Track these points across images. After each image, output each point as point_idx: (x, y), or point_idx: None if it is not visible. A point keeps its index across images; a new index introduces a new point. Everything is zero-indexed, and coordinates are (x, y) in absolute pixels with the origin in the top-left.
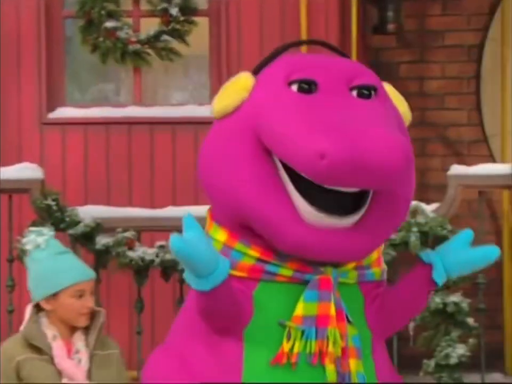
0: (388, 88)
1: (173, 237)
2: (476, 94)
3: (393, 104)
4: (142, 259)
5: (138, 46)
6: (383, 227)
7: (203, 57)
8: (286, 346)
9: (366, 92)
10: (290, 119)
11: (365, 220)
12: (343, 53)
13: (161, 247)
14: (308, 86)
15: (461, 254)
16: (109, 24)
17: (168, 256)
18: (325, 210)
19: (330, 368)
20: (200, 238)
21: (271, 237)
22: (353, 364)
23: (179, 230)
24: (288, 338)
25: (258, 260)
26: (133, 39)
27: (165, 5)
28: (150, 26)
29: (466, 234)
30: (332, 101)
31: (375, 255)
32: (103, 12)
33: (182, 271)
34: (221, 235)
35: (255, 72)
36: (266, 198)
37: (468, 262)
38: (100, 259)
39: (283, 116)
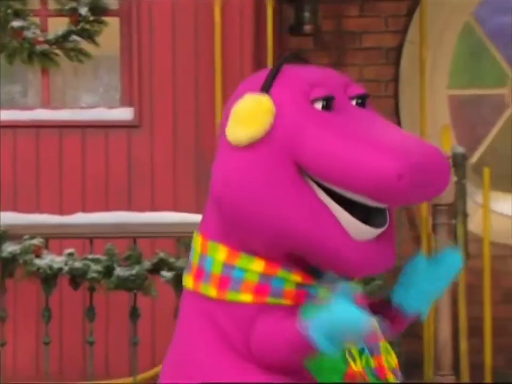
0: None
1: (318, 336)
2: (394, 97)
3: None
4: (50, 267)
5: (46, 47)
6: (394, 235)
7: (114, 58)
8: (354, 366)
9: (360, 100)
10: (338, 142)
11: (385, 233)
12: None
13: (70, 254)
14: (326, 103)
15: (430, 284)
16: (16, 23)
17: (77, 264)
18: (371, 224)
19: (391, 379)
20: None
21: (330, 263)
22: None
23: (88, 236)
24: (352, 358)
25: (299, 284)
26: (41, 39)
27: (73, 4)
28: (58, 26)
29: (420, 261)
30: (352, 116)
31: None
32: (9, 11)
33: (92, 279)
34: (257, 265)
35: (264, 91)
36: (318, 223)
37: (439, 286)
38: (6, 267)
39: (328, 139)
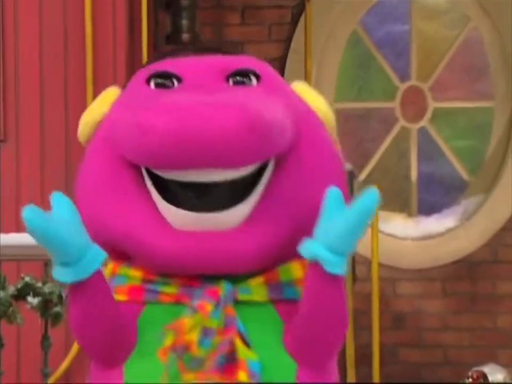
0: (299, 87)
1: (27, 208)
2: None
3: (292, 96)
4: None
5: None
6: (277, 222)
7: None
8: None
9: (245, 79)
10: (128, 107)
11: (254, 215)
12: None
13: None
14: (168, 80)
15: (341, 223)
16: None
17: None
18: (192, 208)
19: (215, 378)
20: (68, 216)
21: (138, 252)
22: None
23: None
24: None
25: (143, 280)
26: None
27: None
28: None
29: (333, 194)
30: (194, 89)
31: (299, 271)
32: None
33: None
34: (108, 268)
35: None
36: (128, 211)
37: (353, 228)
38: None
39: (123, 107)
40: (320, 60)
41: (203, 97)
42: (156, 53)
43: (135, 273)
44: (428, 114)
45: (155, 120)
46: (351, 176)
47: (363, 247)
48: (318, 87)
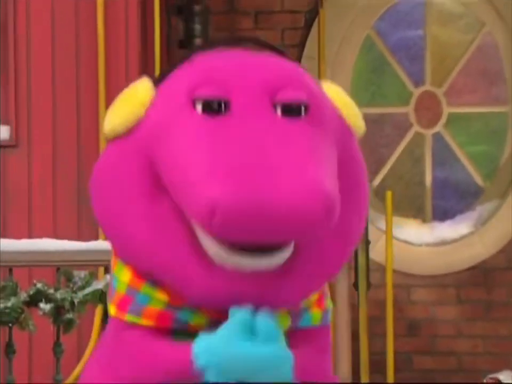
0: (332, 90)
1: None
2: None
3: (332, 117)
4: None
5: None
6: (314, 273)
7: None
8: None
9: (294, 108)
10: (188, 156)
11: (291, 264)
12: (274, 47)
13: None
14: (216, 106)
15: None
16: None
17: None
18: (238, 249)
19: None
20: None
21: (175, 286)
22: None
23: None
24: None
25: (168, 305)
26: None
27: None
28: None
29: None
30: (245, 126)
31: (315, 295)
32: None
33: None
34: (124, 275)
35: (160, 79)
36: (164, 240)
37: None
38: None
39: (180, 150)
40: (333, 65)
41: (271, 162)
42: (204, 44)
43: (160, 296)
44: (443, 120)
45: (225, 199)
46: None
47: (377, 254)
48: None
